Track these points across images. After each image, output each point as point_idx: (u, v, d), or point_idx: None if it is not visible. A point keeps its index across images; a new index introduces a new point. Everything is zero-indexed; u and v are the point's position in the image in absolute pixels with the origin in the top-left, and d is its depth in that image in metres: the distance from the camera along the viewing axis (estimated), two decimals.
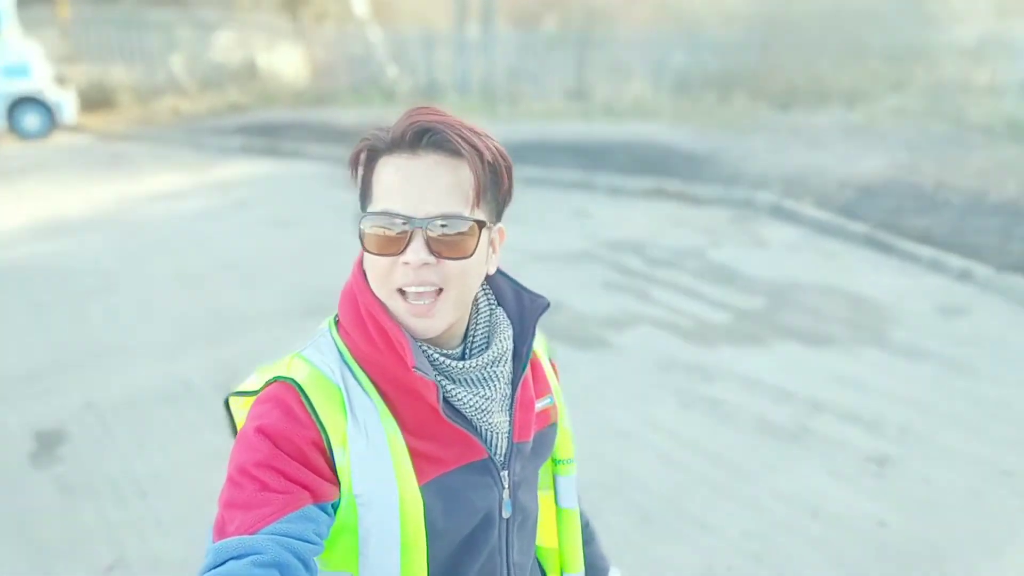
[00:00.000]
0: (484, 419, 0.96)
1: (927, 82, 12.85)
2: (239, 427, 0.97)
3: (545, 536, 1.14)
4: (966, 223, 6.30)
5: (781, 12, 14.46)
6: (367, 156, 0.94)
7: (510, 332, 1.01)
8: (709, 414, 3.65)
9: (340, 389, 0.92)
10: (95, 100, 14.03)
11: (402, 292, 0.90)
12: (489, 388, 0.96)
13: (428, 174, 0.89)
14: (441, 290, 0.90)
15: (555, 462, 1.13)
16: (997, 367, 4.10)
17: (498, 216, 0.98)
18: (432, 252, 0.88)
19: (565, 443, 1.12)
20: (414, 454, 0.92)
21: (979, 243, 5.79)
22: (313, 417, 0.89)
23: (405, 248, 0.88)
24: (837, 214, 6.66)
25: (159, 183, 9.16)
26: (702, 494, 3.04)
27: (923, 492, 3.04)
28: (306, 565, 0.82)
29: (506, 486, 0.99)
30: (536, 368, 1.08)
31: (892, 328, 4.59)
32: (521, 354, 1.00)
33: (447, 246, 0.88)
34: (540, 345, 1.12)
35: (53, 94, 12.10)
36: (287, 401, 0.90)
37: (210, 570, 0.79)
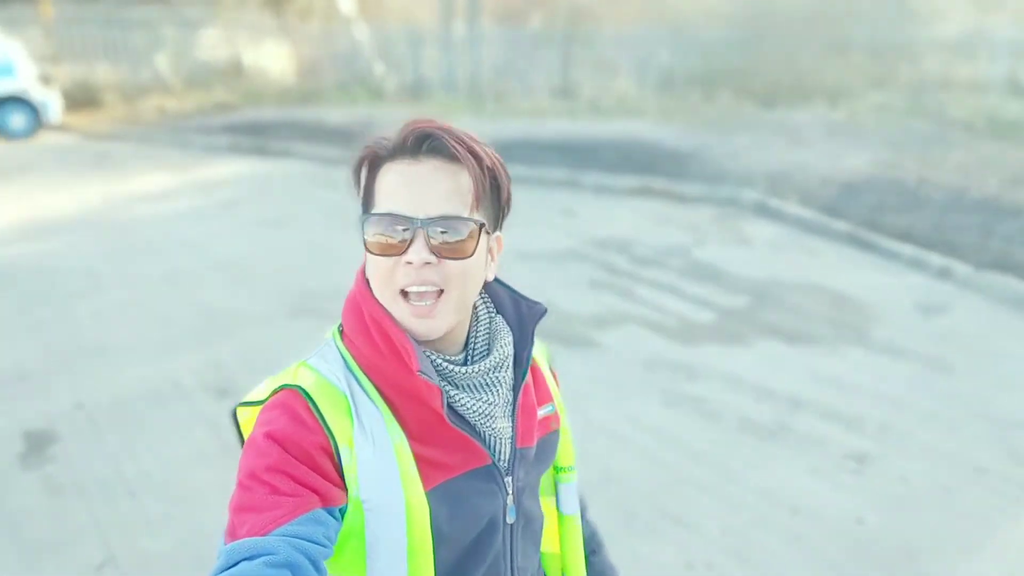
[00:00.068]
0: (488, 424, 0.97)
1: (909, 79, 12.98)
2: (246, 437, 0.98)
3: (548, 542, 1.15)
4: (947, 220, 6.39)
5: (765, 10, 14.55)
6: (369, 163, 0.97)
7: (510, 338, 1.03)
8: (692, 412, 3.71)
9: (346, 396, 0.93)
10: (80, 99, 13.95)
11: (404, 294, 0.93)
12: (492, 393, 0.98)
13: (429, 178, 0.92)
14: (442, 291, 0.92)
15: (557, 469, 1.14)
16: (975, 365, 4.18)
17: (497, 224, 1.00)
18: (433, 252, 0.91)
19: (567, 450, 1.14)
20: (419, 460, 0.93)
21: (959, 241, 5.88)
22: (321, 423, 0.90)
23: (407, 249, 0.91)
24: (820, 212, 6.74)
25: (146, 183, 9.14)
26: (684, 492, 3.10)
27: (900, 490, 3.11)
28: (316, 567, 0.83)
29: (510, 492, 1.00)
30: (537, 375, 1.10)
31: (873, 326, 4.67)
32: (522, 360, 1.03)
33: (448, 246, 0.91)
34: (541, 353, 1.14)
35: (38, 94, 12.02)
36: (295, 407, 0.91)
37: (223, 571, 0.80)
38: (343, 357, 0.98)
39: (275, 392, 0.95)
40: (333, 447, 0.90)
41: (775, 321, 4.76)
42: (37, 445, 3.53)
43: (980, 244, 5.78)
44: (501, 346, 1.01)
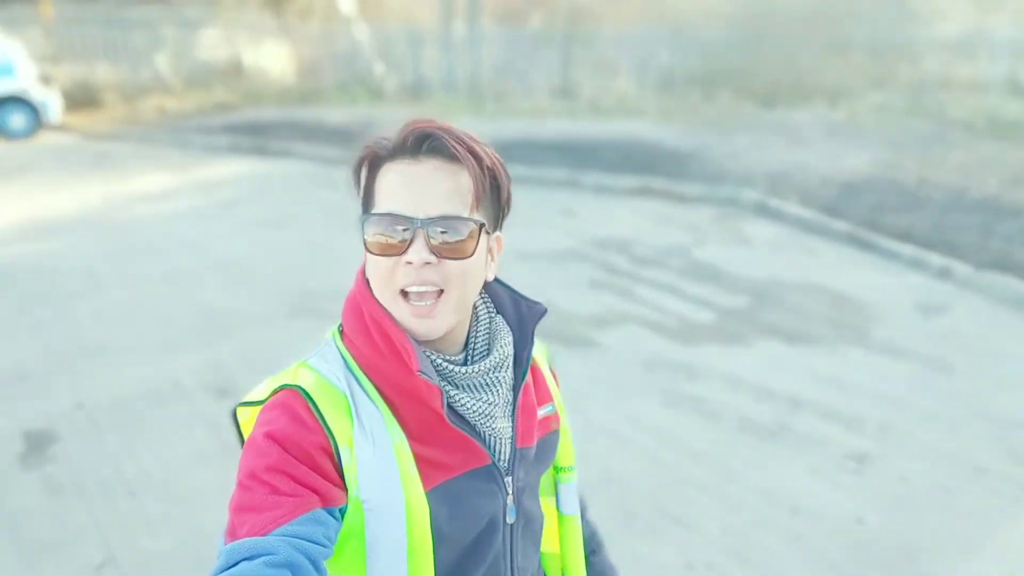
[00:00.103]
0: (488, 424, 0.97)
1: (909, 79, 12.98)
2: (246, 437, 0.98)
3: (548, 542, 1.15)
4: (947, 220, 6.39)
5: (765, 10, 14.55)
6: (369, 164, 0.97)
7: (510, 338, 1.03)
8: (692, 412, 3.71)
9: (346, 396, 0.93)
10: (80, 99, 13.95)
11: (404, 294, 0.93)
12: (492, 393, 0.98)
13: (429, 178, 0.92)
14: (442, 291, 0.92)
15: (556, 469, 1.14)
16: (975, 365, 4.18)
17: (497, 225, 1.00)
18: (433, 252, 0.90)
19: (567, 450, 1.14)
20: (419, 460, 0.93)
21: (959, 241, 5.88)
22: (321, 423, 0.90)
23: (407, 248, 0.91)
24: (820, 212, 6.74)
25: (146, 183, 9.14)
26: (684, 492, 3.10)
27: (900, 490, 3.11)
28: (316, 567, 0.83)
29: (510, 492, 1.00)
30: (537, 376, 1.10)
31: (873, 326, 4.67)
32: (522, 360, 1.02)
33: (448, 246, 0.91)
34: (541, 353, 1.14)
35: (38, 94, 12.03)
36: (295, 407, 0.91)
37: (223, 571, 0.80)
38: (343, 357, 0.98)
39: (275, 392, 0.94)
40: (333, 447, 0.90)
41: (775, 321, 4.76)
42: (37, 445, 3.53)
43: (980, 244, 5.79)
44: (501, 346, 1.00)
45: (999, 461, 3.30)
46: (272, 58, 16.45)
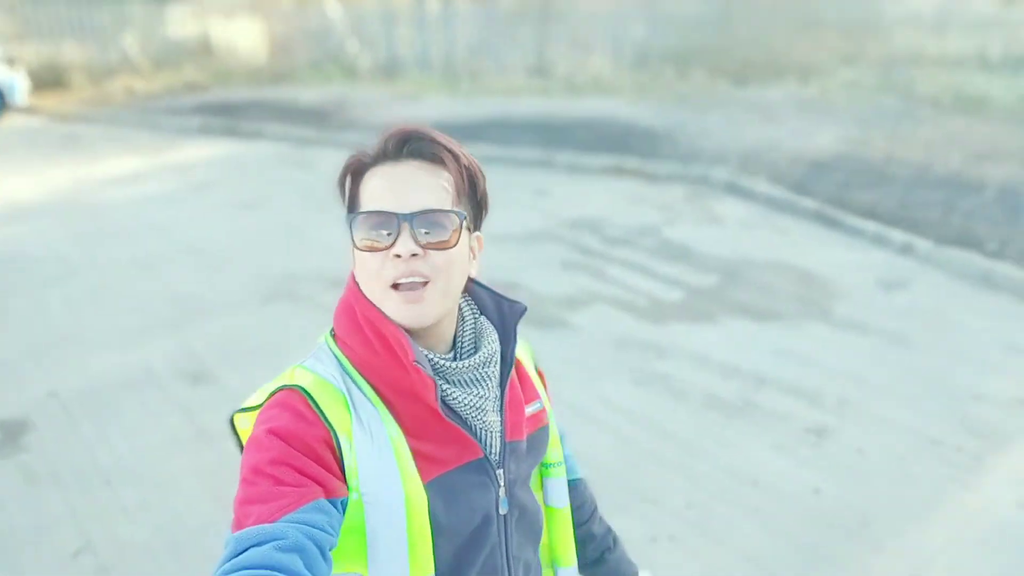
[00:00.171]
0: (479, 418, 1.01)
1: (879, 55, 13.09)
2: (245, 443, 1.00)
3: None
4: (911, 197, 6.52)
5: None
6: (353, 172, 1.03)
7: (495, 336, 1.07)
8: (661, 391, 3.80)
9: (343, 393, 0.97)
10: (46, 80, 13.71)
11: (394, 287, 0.97)
12: (483, 387, 1.02)
13: (411, 177, 0.98)
14: (428, 281, 0.96)
15: (544, 465, 1.18)
16: (932, 339, 4.31)
17: (476, 224, 1.06)
18: (419, 244, 0.95)
19: (555, 447, 1.18)
20: (416, 454, 0.97)
21: (922, 217, 6.01)
22: (321, 416, 0.93)
23: (394, 242, 0.95)
24: (789, 190, 6.84)
25: (115, 166, 9.04)
26: (651, 469, 3.19)
27: (856, 461, 3.23)
28: (323, 554, 0.84)
29: (502, 484, 1.04)
30: (522, 374, 1.14)
31: (836, 303, 4.79)
32: (507, 356, 1.07)
33: (432, 238, 0.96)
34: (526, 352, 1.19)
35: (3, 75, 11.81)
36: (295, 404, 0.94)
37: (232, 559, 0.81)
38: (337, 359, 1.02)
39: (272, 394, 0.98)
40: (334, 439, 0.93)
41: (743, 299, 4.86)
42: (11, 434, 3.55)
43: (942, 220, 5.92)
44: (488, 343, 1.05)
45: (953, 432, 3.43)
46: (243, 36, 16.22)
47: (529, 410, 1.11)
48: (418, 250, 0.95)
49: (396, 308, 0.97)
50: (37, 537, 2.88)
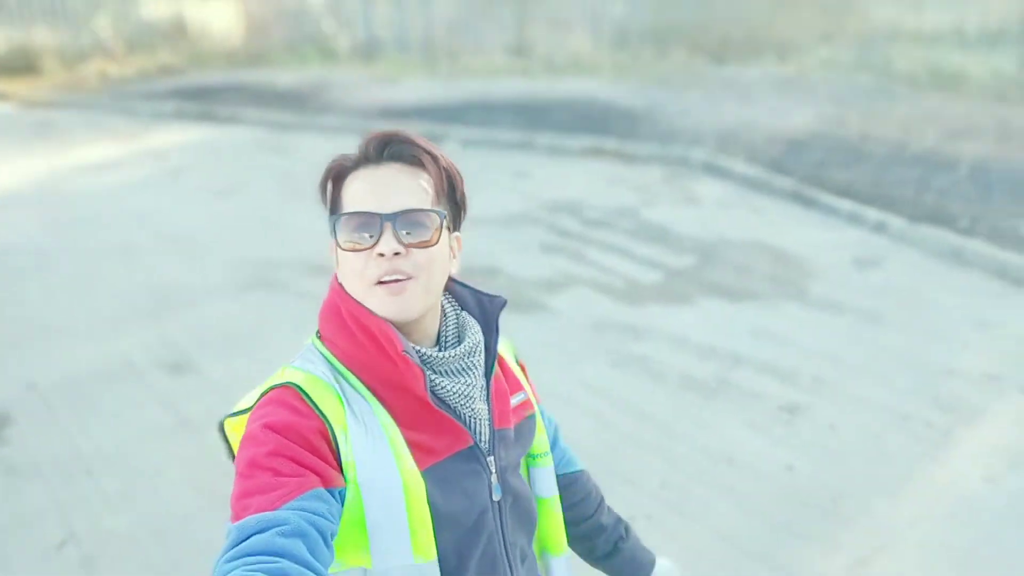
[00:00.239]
0: (468, 406, 1.03)
1: (857, 31, 13.13)
2: (235, 449, 1.00)
3: None
4: (886, 175, 6.59)
5: None
6: (334, 177, 1.05)
7: (478, 328, 1.10)
8: (638, 373, 3.85)
9: (336, 388, 0.99)
10: (17, 66, 13.48)
11: (378, 284, 0.99)
12: (470, 376, 1.05)
13: (391, 180, 1.01)
14: (411, 278, 0.99)
15: (530, 456, 1.19)
16: (905, 317, 4.39)
17: (456, 223, 1.09)
18: (401, 243, 0.97)
19: (541, 436, 1.19)
20: (410, 444, 0.98)
21: (896, 195, 6.08)
22: (315, 410, 0.95)
23: (377, 242, 0.97)
24: (766, 169, 6.89)
25: (90, 153, 8.94)
26: (628, 450, 3.25)
27: (829, 438, 3.30)
28: (326, 541, 0.85)
29: (493, 471, 1.06)
30: (504, 367, 1.17)
31: (811, 282, 4.86)
32: (491, 348, 1.10)
33: (414, 236, 0.98)
34: (507, 348, 1.21)
35: None
36: (288, 400, 0.96)
37: (234, 547, 0.81)
38: (326, 358, 1.04)
39: (264, 394, 0.99)
40: (330, 431, 0.94)
41: (719, 280, 4.92)
42: None
43: (915, 198, 6.00)
44: (471, 334, 1.08)
45: (924, 408, 3.50)
46: (218, 17, 15.99)
47: (514, 400, 1.14)
48: (400, 249, 0.97)
49: (380, 302, 0.99)
50: (21, 529, 2.89)
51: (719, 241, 5.55)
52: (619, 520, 1.34)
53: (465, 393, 1.03)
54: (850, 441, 3.29)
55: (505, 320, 1.15)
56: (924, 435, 3.32)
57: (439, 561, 0.99)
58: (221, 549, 0.81)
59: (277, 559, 0.78)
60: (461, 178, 1.09)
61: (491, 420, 1.08)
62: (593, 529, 1.30)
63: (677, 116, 8.99)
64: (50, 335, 4.45)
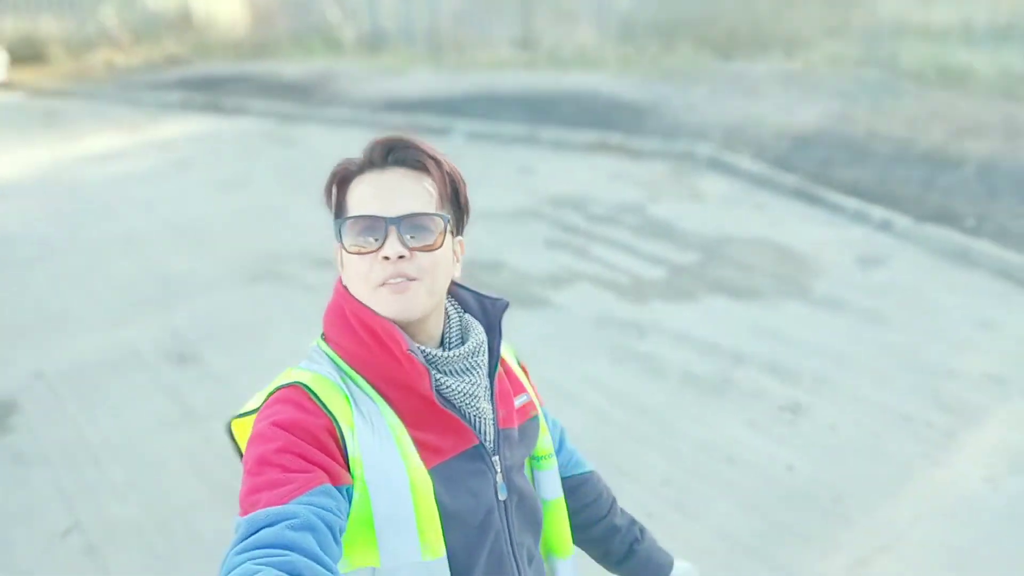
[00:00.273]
0: (473, 405, 1.05)
1: (864, 26, 13.06)
2: (243, 449, 1.01)
3: None
4: (891, 173, 6.57)
5: None
6: (339, 182, 1.07)
7: (481, 329, 1.11)
8: (640, 370, 3.87)
9: (342, 387, 1.00)
10: (24, 54, 13.50)
11: (382, 285, 1.00)
12: (474, 375, 1.06)
13: (396, 185, 1.03)
14: (415, 280, 1.00)
15: (534, 459, 1.20)
16: (908, 316, 4.39)
17: (459, 228, 1.11)
18: (405, 246, 0.99)
19: (544, 438, 1.20)
20: (417, 443, 0.99)
21: (901, 193, 6.07)
22: (323, 408, 0.96)
23: (382, 245, 0.99)
24: (771, 166, 6.88)
25: (96, 143, 8.96)
26: (629, 447, 3.27)
27: (830, 438, 3.31)
28: (334, 536, 0.85)
29: (498, 470, 1.07)
30: (508, 370, 1.18)
31: (815, 280, 4.86)
32: (494, 349, 1.11)
33: (418, 240, 1.00)
34: (509, 351, 1.22)
35: None
36: (296, 398, 0.97)
37: (244, 540, 0.81)
38: (331, 359, 1.05)
39: (271, 394, 1.00)
40: (337, 429, 0.95)
41: (723, 277, 4.92)
42: None
43: (921, 196, 5.98)
44: (474, 335, 1.10)
45: (925, 409, 3.51)
46: (223, 7, 15.97)
47: (518, 402, 1.15)
48: (405, 252, 0.99)
49: (384, 302, 1.01)
50: (26, 517, 2.92)
51: (723, 238, 5.55)
52: (633, 521, 1.34)
53: (470, 392, 1.05)
54: (851, 441, 3.30)
55: (508, 315, 1.16)
56: (925, 435, 3.33)
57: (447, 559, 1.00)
58: (231, 543, 0.81)
59: (286, 552, 0.79)
60: (464, 183, 1.10)
61: (495, 420, 1.09)
62: (607, 531, 1.30)
63: (683, 111, 8.97)
64: (56, 324, 4.47)
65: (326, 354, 1.06)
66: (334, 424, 0.96)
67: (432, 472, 0.99)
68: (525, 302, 4.56)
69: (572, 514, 1.27)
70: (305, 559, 0.79)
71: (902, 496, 2.98)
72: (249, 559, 0.77)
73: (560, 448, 1.31)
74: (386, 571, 0.96)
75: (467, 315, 1.14)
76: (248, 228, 6.00)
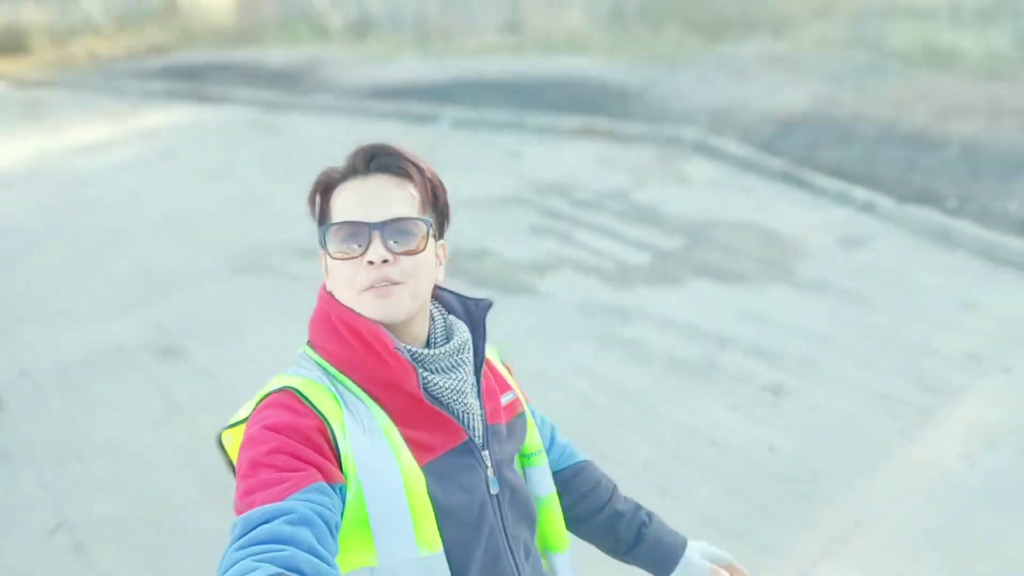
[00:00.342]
0: (461, 401, 1.06)
1: (852, 7, 13.04)
2: (234, 460, 1.01)
3: None
4: (876, 154, 6.59)
5: None
6: (323, 190, 1.09)
7: (465, 327, 1.14)
8: (625, 355, 3.90)
9: (332, 390, 1.02)
10: (6, 44, 13.36)
11: (367, 289, 1.02)
12: (461, 371, 1.08)
13: (379, 191, 1.05)
14: (399, 283, 1.02)
15: (523, 456, 1.21)
16: (890, 297, 4.42)
17: (440, 232, 1.13)
18: (389, 251, 1.01)
19: (533, 435, 1.21)
20: (408, 441, 1.01)
21: (884, 175, 6.09)
22: (313, 409, 0.97)
23: (366, 250, 1.01)
24: (757, 149, 6.89)
25: (80, 134, 8.90)
26: (613, 431, 3.30)
27: (811, 419, 3.35)
28: (331, 531, 0.85)
29: (489, 465, 1.08)
30: (493, 370, 1.20)
31: (799, 263, 4.89)
32: (479, 348, 1.13)
33: (401, 245, 1.02)
34: (493, 352, 1.24)
35: None
36: (287, 402, 0.98)
37: (241, 537, 0.81)
38: (319, 364, 1.07)
39: (260, 401, 1.02)
40: (328, 429, 0.96)
41: (708, 261, 4.94)
42: None
43: (903, 178, 6.01)
44: (459, 334, 1.12)
45: (905, 388, 3.55)
46: None
47: (504, 399, 1.17)
48: (389, 256, 1.01)
49: (368, 305, 1.03)
50: (12, 515, 2.94)
51: (709, 222, 5.57)
52: (639, 507, 1.33)
53: (457, 388, 1.07)
54: (831, 421, 3.34)
55: (494, 301, 1.18)
56: (903, 414, 3.37)
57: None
58: (228, 542, 0.81)
59: (284, 547, 0.79)
60: (444, 188, 1.13)
61: (483, 416, 1.10)
62: (611, 517, 1.29)
63: (670, 95, 8.96)
64: (41, 320, 4.47)
65: (313, 360, 1.07)
66: (325, 425, 0.97)
67: (424, 469, 1.00)
68: (510, 289, 4.57)
69: (573, 505, 1.28)
70: (304, 553, 0.79)
71: (879, 474, 3.03)
72: (248, 555, 0.78)
73: (552, 444, 1.32)
74: (384, 570, 0.97)
75: (451, 316, 1.16)
76: (233, 218, 5.99)
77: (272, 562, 0.76)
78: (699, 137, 7.35)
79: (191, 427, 3.39)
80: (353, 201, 1.04)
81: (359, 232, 1.02)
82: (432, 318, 1.13)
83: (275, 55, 12.69)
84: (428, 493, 0.99)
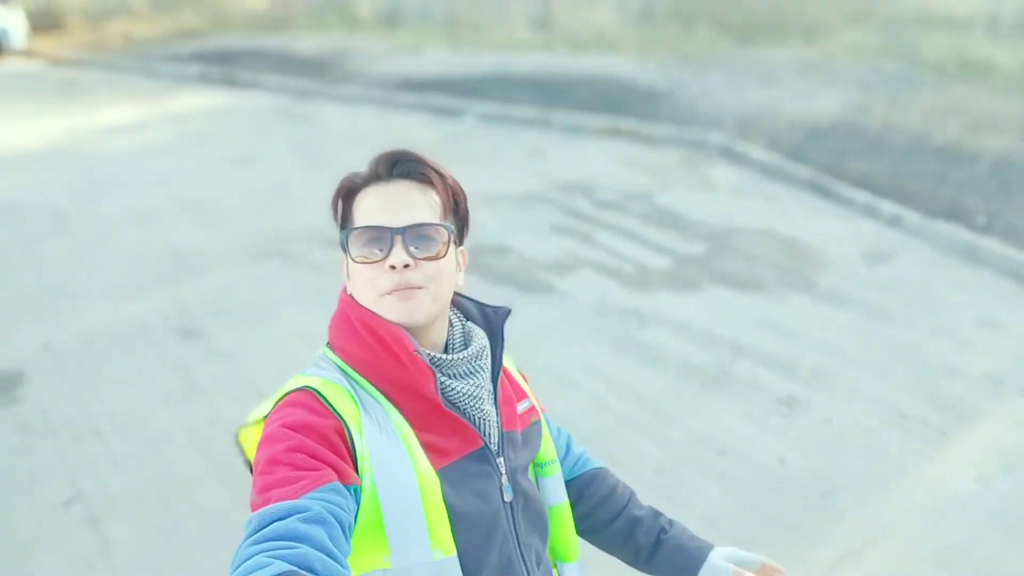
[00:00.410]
0: (477, 407, 1.07)
1: (886, 15, 12.88)
2: (251, 458, 1.05)
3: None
4: (905, 167, 6.52)
5: None
6: (345, 195, 1.11)
7: (484, 334, 1.15)
8: (640, 359, 3.89)
9: (350, 391, 1.03)
10: (43, 23, 13.55)
11: (388, 293, 1.03)
12: (478, 378, 1.09)
13: (401, 197, 1.06)
14: (421, 288, 1.04)
15: (537, 465, 1.20)
16: (912, 313, 4.38)
17: (460, 238, 1.14)
18: (411, 256, 1.02)
19: (547, 444, 1.21)
20: (424, 445, 1.01)
21: (914, 188, 6.02)
22: (332, 410, 0.98)
23: (388, 254, 1.02)
24: (784, 156, 6.83)
25: (112, 114, 9.01)
26: (624, 435, 3.30)
27: (824, 432, 3.32)
28: (344, 532, 0.86)
29: (503, 471, 1.08)
30: (509, 378, 1.21)
31: (820, 274, 4.84)
32: (496, 355, 1.14)
33: (423, 250, 1.03)
34: (508, 361, 1.23)
35: (0, 18, 11.67)
36: (305, 401, 0.99)
37: (256, 533, 0.82)
38: (338, 365, 1.08)
39: (279, 400, 1.03)
40: (346, 430, 0.98)
41: (728, 268, 4.92)
42: (5, 386, 3.65)
43: (933, 192, 5.93)
44: (477, 340, 1.13)
45: (922, 406, 3.51)
46: None
47: (520, 407, 1.17)
48: (410, 261, 1.02)
49: (390, 307, 1.04)
50: (29, 486, 2.99)
51: (731, 229, 5.53)
52: (658, 513, 1.31)
53: (474, 394, 1.07)
54: (845, 436, 3.31)
55: (512, 300, 1.19)
56: (920, 433, 3.34)
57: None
58: (242, 537, 0.82)
59: (298, 544, 0.80)
60: (465, 195, 1.14)
61: (499, 422, 1.11)
62: (629, 524, 1.28)
63: (699, 97, 8.91)
64: (65, 296, 4.54)
65: (332, 361, 1.09)
66: (343, 425, 0.98)
67: (440, 473, 1.01)
68: (529, 288, 4.58)
69: (590, 512, 1.28)
70: (316, 552, 0.80)
71: (893, 492, 3.00)
72: (261, 551, 0.79)
73: (567, 453, 1.32)
74: (397, 572, 0.97)
75: (469, 323, 1.17)
76: (259, 205, 6.04)
77: (285, 559, 0.77)
78: (725, 142, 7.30)
79: (208, 408, 3.43)
80: (376, 206, 1.06)
81: (381, 236, 1.03)
82: (451, 324, 1.14)
83: (306, 43, 12.77)
84: (443, 497, 1.00)
